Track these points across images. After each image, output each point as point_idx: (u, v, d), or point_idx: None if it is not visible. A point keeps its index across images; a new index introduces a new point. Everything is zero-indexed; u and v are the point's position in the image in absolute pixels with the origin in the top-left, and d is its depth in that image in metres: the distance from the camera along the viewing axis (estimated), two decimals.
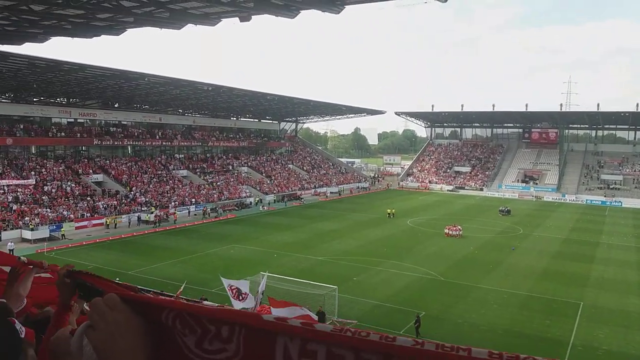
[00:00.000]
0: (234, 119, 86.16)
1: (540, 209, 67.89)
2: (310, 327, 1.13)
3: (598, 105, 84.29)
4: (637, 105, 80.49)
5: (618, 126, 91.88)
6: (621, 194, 76.44)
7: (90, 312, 1.23)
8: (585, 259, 38.15)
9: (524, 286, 30.76)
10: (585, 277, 33.31)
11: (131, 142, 64.92)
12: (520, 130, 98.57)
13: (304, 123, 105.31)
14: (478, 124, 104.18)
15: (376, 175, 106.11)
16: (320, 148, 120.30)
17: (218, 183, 66.43)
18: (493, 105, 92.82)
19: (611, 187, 79.08)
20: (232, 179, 70.06)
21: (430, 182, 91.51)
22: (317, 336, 1.12)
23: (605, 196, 76.01)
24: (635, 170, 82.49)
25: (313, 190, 77.51)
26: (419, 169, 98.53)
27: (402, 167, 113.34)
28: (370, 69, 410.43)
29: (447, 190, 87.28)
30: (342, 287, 27.37)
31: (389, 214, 56.01)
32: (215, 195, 61.64)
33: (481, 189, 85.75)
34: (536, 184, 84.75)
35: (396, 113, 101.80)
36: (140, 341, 1.17)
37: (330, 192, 77.73)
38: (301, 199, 70.15)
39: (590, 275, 33.72)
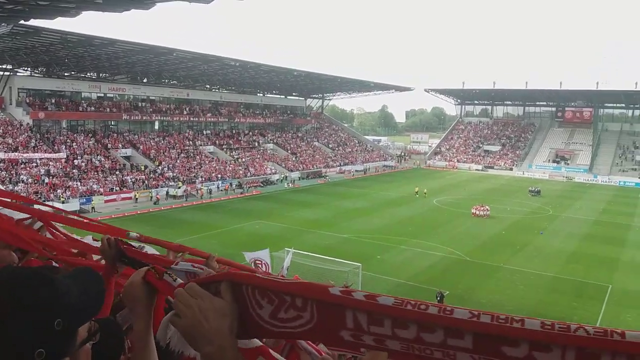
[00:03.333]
0: (261, 95, 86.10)
1: (571, 189, 66.23)
2: (373, 301, 1.19)
3: (636, 84, 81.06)
4: None
5: None
6: None
7: (175, 303, 1.36)
8: (616, 242, 37.15)
9: (552, 268, 30.20)
10: (615, 260, 32.49)
11: (159, 117, 65.63)
12: (554, 109, 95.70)
13: (330, 100, 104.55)
14: (510, 102, 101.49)
15: (403, 154, 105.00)
16: (346, 125, 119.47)
17: (244, 159, 66.83)
18: (526, 83, 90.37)
19: None
20: (257, 156, 70.38)
21: (458, 161, 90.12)
22: (381, 309, 1.18)
23: (639, 177, 73.54)
24: None
25: (338, 168, 77.30)
26: (447, 147, 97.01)
27: (429, 146, 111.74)
28: (399, 44, 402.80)
29: (476, 169, 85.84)
30: (365, 265, 27.38)
31: (416, 192, 55.61)
32: (241, 172, 62.08)
33: (511, 169, 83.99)
34: (567, 164, 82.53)
35: (425, 90, 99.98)
36: (223, 321, 1.30)
37: (356, 170, 77.38)
38: (326, 176, 70.06)
39: (621, 259, 32.87)
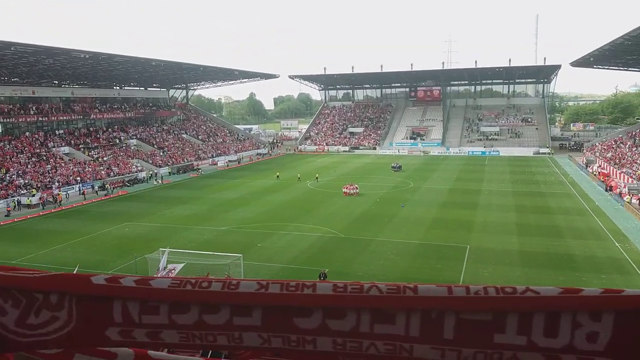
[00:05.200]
0: (118, 88, 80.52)
1: (428, 162, 72.36)
2: (146, 286, 1.07)
3: (476, 62, 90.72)
4: (509, 60, 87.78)
5: (494, 81, 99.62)
6: (498, 144, 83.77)
7: None
8: (469, 206, 41.55)
9: (417, 235, 32.92)
10: (471, 222, 36.35)
11: (1, 120, 58.26)
12: (407, 89, 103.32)
13: (195, 90, 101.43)
14: (368, 85, 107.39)
15: (275, 141, 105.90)
16: (215, 115, 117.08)
17: (105, 159, 62.27)
18: (381, 66, 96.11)
19: (489, 138, 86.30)
20: (120, 153, 66.03)
21: (327, 144, 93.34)
22: (155, 294, 1.06)
23: (484, 147, 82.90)
24: (509, 121, 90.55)
25: (210, 159, 75.61)
26: (316, 132, 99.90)
27: (299, 131, 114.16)
28: (262, 33, 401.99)
29: (344, 151, 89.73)
30: (247, 255, 27.40)
31: (299, 178, 56.92)
32: (103, 172, 57.80)
33: (374, 148, 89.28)
34: (423, 139, 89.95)
35: (290, 76, 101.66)
36: None
37: (229, 161, 76.36)
38: (198, 169, 68.18)
39: (475, 221, 36.86)
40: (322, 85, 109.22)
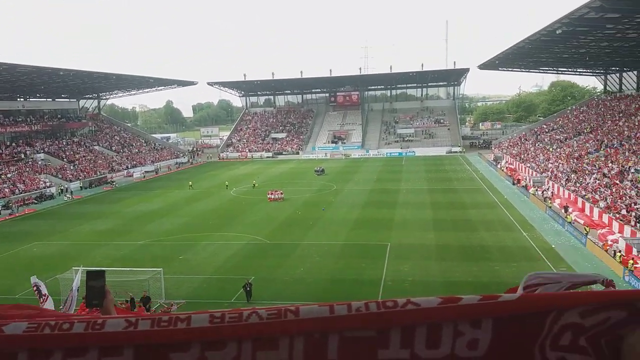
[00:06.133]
0: (22, 99, 74.97)
1: (349, 165, 73.91)
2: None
3: (390, 67, 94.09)
4: (422, 65, 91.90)
5: (408, 85, 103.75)
6: (414, 145, 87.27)
7: None
8: (389, 205, 42.91)
9: (341, 236, 33.50)
10: (390, 220, 37.56)
11: None
12: (327, 94, 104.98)
13: (107, 99, 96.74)
14: (289, 91, 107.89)
15: (195, 149, 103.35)
16: (129, 125, 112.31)
17: (9, 175, 57.68)
18: (301, 72, 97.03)
19: (406, 139, 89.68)
20: (26, 169, 61.46)
21: (250, 150, 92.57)
22: (7, 343, 0.95)
23: (401, 148, 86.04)
24: (424, 123, 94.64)
25: (125, 171, 72.33)
26: (238, 138, 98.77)
27: (220, 139, 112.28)
28: (180, 40, 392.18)
29: (267, 157, 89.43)
30: (168, 268, 26.50)
31: (227, 186, 56.01)
32: (7, 190, 53.49)
33: (298, 153, 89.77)
34: (344, 143, 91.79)
35: (209, 83, 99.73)
36: None
37: (146, 172, 73.45)
38: (112, 182, 64.96)
39: (394, 219, 38.12)
40: (242, 92, 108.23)
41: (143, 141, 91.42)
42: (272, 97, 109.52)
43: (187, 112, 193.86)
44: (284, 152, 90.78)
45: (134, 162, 77.26)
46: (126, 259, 29.52)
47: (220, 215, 41.79)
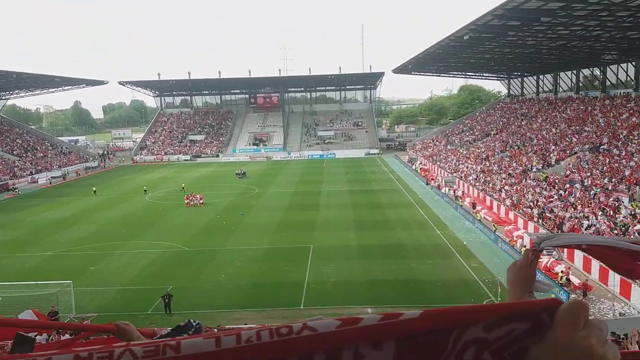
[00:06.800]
0: None
1: (271, 168, 73.64)
2: None
3: (309, 69, 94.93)
4: (340, 68, 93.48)
5: (327, 88, 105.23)
6: (334, 147, 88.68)
7: None
8: (311, 207, 43.26)
9: (264, 240, 33.24)
10: (313, 222, 37.86)
11: None
12: (247, 95, 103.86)
13: (7, 99, 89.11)
14: (207, 92, 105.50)
15: (106, 152, 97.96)
16: (33, 127, 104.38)
17: None
18: (219, 72, 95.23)
19: (326, 142, 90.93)
20: None
21: (166, 153, 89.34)
22: None
23: (322, 150, 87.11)
24: (343, 126, 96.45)
25: (30, 177, 67.05)
26: (153, 141, 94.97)
27: (134, 141, 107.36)
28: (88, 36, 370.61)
29: (185, 160, 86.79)
30: (78, 281, 24.93)
31: (145, 190, 53.54)
32: None
33: (217, 155, 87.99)
34: (265, 145, 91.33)
35: (120, 83, 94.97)
36: None
37: (52, 177, 68.49)
38: (15, 189, 59.93)
39: (317, 220, 38.49)
40: (157, 92, 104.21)
41: (49, 144, 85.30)
42: (189, 97, 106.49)
43: (97, 114, 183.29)
44: (203, 155, 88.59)
45: (39, 167, 71.87)
46: (32, 272, 27.39)
47: (135, 222, 39.93)
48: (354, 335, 0.89)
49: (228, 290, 24.68)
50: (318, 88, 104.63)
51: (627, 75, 48.34)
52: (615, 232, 25.78)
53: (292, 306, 22.59)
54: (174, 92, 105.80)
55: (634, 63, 46.37)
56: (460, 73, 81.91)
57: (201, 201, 45.68)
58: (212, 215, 41.62)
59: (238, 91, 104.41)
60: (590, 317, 0.82)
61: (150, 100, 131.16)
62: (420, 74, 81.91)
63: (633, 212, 27.05)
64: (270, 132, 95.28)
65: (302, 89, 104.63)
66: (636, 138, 36.60)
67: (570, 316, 0.82)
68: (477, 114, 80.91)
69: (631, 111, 42.24)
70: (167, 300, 22.23)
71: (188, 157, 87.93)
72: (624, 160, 34.20)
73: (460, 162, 56.80)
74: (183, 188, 53.24)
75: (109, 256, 30.89)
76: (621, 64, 48.76)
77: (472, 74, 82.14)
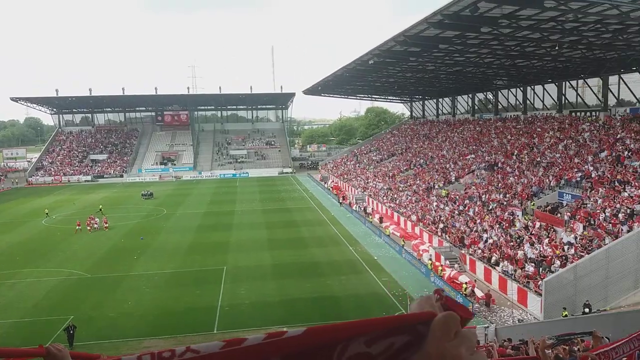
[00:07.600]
0: None
1: (181, 187, 71.43)
2: None
3: (220, 88, 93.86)
4: (251, 87, 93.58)
5: (239, 107, 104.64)
6: (247, 166, 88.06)
7: None
8: (224, 228, 42.46)
9: (173, 264, 32.03)
10: (226, 243, 37.14)
11: None
12: (154, 113, 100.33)
13: None
14: (110, 109, 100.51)
15: None
16: None
17: None
18: (123, 89, 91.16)
19: (239, 160, 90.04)
20: None
21: (65, 174, 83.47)
22: None
23: (235, 169, 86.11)
24: (255, 145, 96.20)
25: None
26: (50, 161, 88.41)
27: (29, 161, 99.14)
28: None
29: (85, 180, 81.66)
30: None
31: (47, 214, 49.61)
32: None
33: (122, 176, 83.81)
34: (174, 164, 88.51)
35: (12, 99, 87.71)
36: None
37: None
38: None
39: (230, 241, 37.80)
40: (55, 109, 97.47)
41: None
42: (90, 115, 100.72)
43: None
44: (105, 175, 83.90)
45: None
46: None
47: (30, 249, 36.76)
48: (238, 355, 0.89)
49: (135, 318, 23.43)
50: (229, 107, 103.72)
51: (516, 99, 53.17)
52: (512, 243, 28.00)
53: (205, 331, 21.92)
54: (74, 109, 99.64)
55: (521, 88, 51.16)
56: (366, 96, 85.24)
57: (105, 225, 43.15)
58: (117, 239, 39.43)
59: (144, 109, 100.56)
60: (461, 329, 0.86)
61: (47, 118, 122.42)
62: (330, 96, 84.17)
63: (526, 225, 29.59)
64: (179, 151, 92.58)
65: (213, 107, 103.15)
66: (525, 157, 40.22)
67: (442, 327, 0.86)
68: (383, 134, 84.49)
69: (520, 132, 46.40)
70: (71, 332, 20.61)
71: (89, 177, 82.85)
72: (515, 177, 37.40)
73: (369, 180, 58.87)
74: (100, 210, 49.87)
75: (0, 286, 28.14)
76: (511, 89, 53.56)
77: (377, 96, 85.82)
